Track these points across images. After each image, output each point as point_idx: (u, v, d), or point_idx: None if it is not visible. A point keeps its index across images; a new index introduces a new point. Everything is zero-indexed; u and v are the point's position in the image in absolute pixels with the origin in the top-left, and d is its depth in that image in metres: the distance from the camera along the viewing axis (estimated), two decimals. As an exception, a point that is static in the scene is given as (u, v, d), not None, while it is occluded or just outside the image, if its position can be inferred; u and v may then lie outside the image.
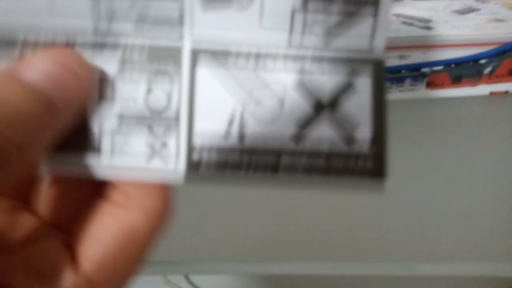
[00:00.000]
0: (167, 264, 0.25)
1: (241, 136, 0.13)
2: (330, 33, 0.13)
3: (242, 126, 0.13)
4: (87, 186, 0.15)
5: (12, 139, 0.10)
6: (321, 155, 0.13)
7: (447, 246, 0.25)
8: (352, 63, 0.13)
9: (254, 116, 0.13)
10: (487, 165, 0.29)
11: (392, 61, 0.32)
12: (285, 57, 0.13)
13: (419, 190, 0.28)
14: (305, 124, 0.13)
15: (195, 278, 0.59)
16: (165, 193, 0.14)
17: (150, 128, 0.13)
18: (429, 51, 0.32)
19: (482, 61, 0.33)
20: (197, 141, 0.13)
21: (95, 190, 0.14)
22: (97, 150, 0.13)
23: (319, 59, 0.13)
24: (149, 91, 0.13)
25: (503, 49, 0.33)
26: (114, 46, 0.13)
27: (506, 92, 0.36)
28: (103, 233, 0.13)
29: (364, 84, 0.13)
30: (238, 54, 0.13)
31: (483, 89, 0.35)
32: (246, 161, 0.13)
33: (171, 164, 0.13)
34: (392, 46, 0.32)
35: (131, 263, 0.14)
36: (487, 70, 0.34)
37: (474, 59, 0.33)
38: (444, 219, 0.26)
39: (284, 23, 0.13)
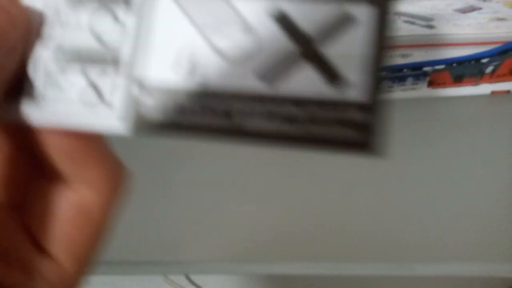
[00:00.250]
0: (167, 263, 0.25)
1: (203, 77, 0.11)
2: None
3: (204, 65, 0.11)
4: (34, 167, 0.14)
5: None
6: (299, 103, 0.11)
7: (447, 246, 0.25)
8: None
9: (220, 52, 0.11)
10: (488, 165, 0.29)
11: (394, 60, 0.32)
12: None
13: (419, 190, 0.28)
14: (283, 63, 0.11)
15: (195, 277, 0.59)
16: (114, 167, 0.14)
17: (94, 70, 0.11)
18: (431, 50, 0.32)
19: (484, 60, 0.33)
20: (149, 84, 0.11)
21: (44, 171, 0.14)
22: (35, 96, 0.12)
23: None
24: (92, 28, 0.11)
25: (505, 48, 0.33)
26: None
27: (508, 92, 0.36)
28: (59, 216, 0.13)
29: (365, 16, 0.10)
30: None
31: (484, 88, 0.35)
32: (208, 107, 0.11)
33: (117, 111, 0.12)
34: (394, 45, 0.31)
35: (93, 241, 0.14)
36: (489, 69, 0.34)
37: (476, 58, 0.33)
38: (444, 219, 0.26)
39: None
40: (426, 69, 0.33)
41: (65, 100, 0.12)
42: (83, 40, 0.11)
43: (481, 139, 0.32)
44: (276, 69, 0.11)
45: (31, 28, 0.12)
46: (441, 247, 0.25)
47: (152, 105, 0.11)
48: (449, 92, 0.35)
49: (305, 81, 0.11)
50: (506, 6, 0.36)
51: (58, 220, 0.13)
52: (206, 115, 0.11)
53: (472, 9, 0.36)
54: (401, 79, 0.33)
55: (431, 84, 0.34)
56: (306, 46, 0.10)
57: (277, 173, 0.29)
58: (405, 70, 0.33)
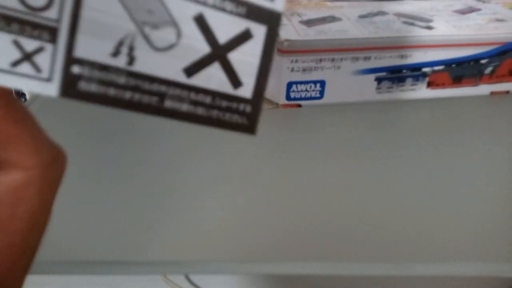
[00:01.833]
0: (167, 263, 0.25)
1: (131, 58, 0.12)
2: None
3: (133, 47, 0.12)
4: None
5: None
6: (208, 93, 0.14)
7: (447, 246, 0.25)
8: (252, 8, 0.13)
9: (149, 40, 0.13)
10: (488, 165, 0.29)
11: (393, 60, 0.32)
12: None
13: (419, 190, 0.28)
14: (199, 60, 0.13)
15: (195, 278, 0.59)
16: (41, 145, 0.13)
17: (23, 27, 0.12)
18: (430, 51, 0.32)
19: (483, 61, 0.33)
20: (80, 52, 0.12)
21: None
22: None
23: None
24: None
25: (504, 49, 0.33)
26: None
27: (507, 92, 0.36)
28: None
29: (259, 33, 0.13)
30: None
31: (484, 89, 0.35)
32: (132, 85, 0.13)
33: (45, 72, 0.12)
34: (393, 46, 0.32)
35: (28, 227, 0.13)
36: (488, 70, 0.34)
37: (475, 59, 0.33)
38: (444, 219, 0.26)
39: None
40: (425, 69, 0.33)
41: None
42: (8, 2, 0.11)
43: (481, 139, 0.32)
44: (193, 63, 0.13)
45: None
46: (441, 247, 0.25)
47: (80, 74, 0.12)
48: (449, 92, 0.35)
49: (213, 77, 0.13)
50: (505, 7, 0.37)
51: None
52: (130, 91, 0.13)
53: (471, 10, 0.36)
54: (400, 80, 0.33)
55: (430, 84, 0.34)
56: (216, 50, 0.13)
57: (277, 173, 0.29)
58: (404, 70, 0.33)
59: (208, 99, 0.14)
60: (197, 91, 0.14)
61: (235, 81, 0.14)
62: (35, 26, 0.12)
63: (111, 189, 0.28)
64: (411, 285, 0.55)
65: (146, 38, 0.13)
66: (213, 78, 0.14)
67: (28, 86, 0.12)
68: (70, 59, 0.12)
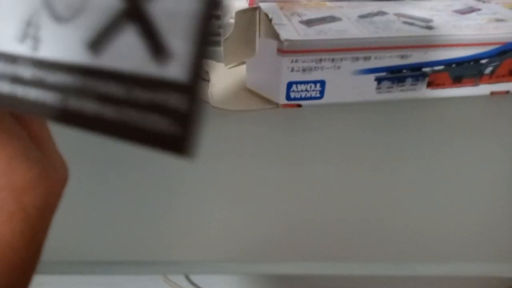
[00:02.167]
0: (167, 263, 0.25)
1: (36, 40, 0.09)
2: None
3: (38, 25, 0.09)
4: None
5: None
6: (119, 80, 0.09)
7: (447, 246, 0.25)
8: None
9: (53, 10, 0.09)
10: (488, 165, 0.29)
11: (393, 60, 0.32)
12: None
13: (419, 190, 0.28)
14: (108, 25, 0.09)
15: (195, 277, 0.59)
16: (9, 167, 0.12)
17: None
18: (430, 51, 0.32)
19: (483, 61, 0.33)
20: None
21: None
22: None
23: None
24: None
25: (504, 49, 0.33)
26: None
27: (507, 92, 0.36)
28: None
29: None
30: None
31: (484, 89, 0.35)
32: (37, 77, 0.10)
33: None
34: (393, 46, 0.32)
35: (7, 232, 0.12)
36: (488, 70, 0.34)
37: (475, 59, 0.33)
38: (444, 219, 0.26)
39: None
40: (425, 69, 0.33)
41: None
42: None
43: (481, 139, 0.32)
44: (102, 33, 0.09)
45: None
46: (441, 247, 0.25)
47: None
48: (449, 92, 0.35)
49: (126, 50, 0.08)
50: (505, 7, 0.37)
51: None
52: (35, 88, 0.10)
53: (471, 10, 0.36)
54: (400, 80, 0.33)
55: (430, 84, 0.34)
56: (132, 1, 0.08)
57: (277, 173, 0.29)
58: (404, 70, 0.33)
59: (120, 91, 0.09)
60: (107, 78, 0.09)
61: (159, 50, 0.08)
62: None
63: (111, 189, 0.28)
64: (411, 285, 0.55)
65: (51, 8, 0.09)
66: (127, 51, 0.08)
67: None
68: None
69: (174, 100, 0.08)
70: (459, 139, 0.32)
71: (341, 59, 0.31)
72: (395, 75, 0.33)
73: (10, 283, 0.13)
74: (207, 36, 0.08)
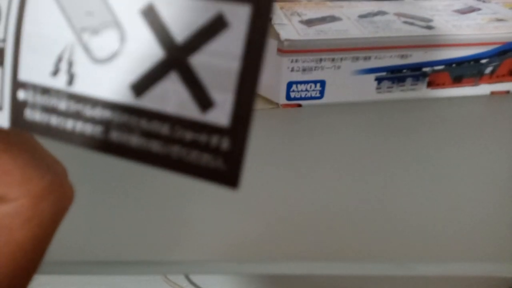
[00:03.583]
0: (167, 263, 0.25)
1: (71, 76, 0.10)
2: None
3: (72, 61, 0.10)
4: None
5: None
6: (165, 119, 0.09)
7: (447, 246, 0.25)
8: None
9: (88, 50, 0.10)
10: (488, 165, 0.29)
11: (393, 60, 0.32)
12: None
13: (419, 190, 0.28)
14: (151, 71, 0.09)
15: (195, 277, 0.59)
16: (27, 175, 0.12)
17: None
18: (431, 51, 0.32)
19: (483, 61, 0.33)
20: (23, 73, 0.10)
21: None
22: None
23: None
24: None
25: (504, 49, 0.33)
26: None
27: (507, 92, 0.36)
28: None
29: (239, 19, 0.09)
30: None
31: (484, 88, 0.35)
32: (73, 111, 0.10)
33: None
34: (393, 46, 0.32)
35: (10, 256, 0.13)
36: (488, 70, 0.34)
37: (475, 59, 0.33)
38: (444, 219, 0.26)
39: None
40: (425, 69, 0.33)
41: None
42: None
43: (481, 139, 0.32)
44: (143, 76, 0.09)
45: None
46: (441, 247, 0.25)
47: (25, 100, 0.11)
48: (449, 92, 0.35)
49: (169, 94, 0.09)
50: (505, 7, 0.37)
51: None
52: (71, 119, 0.10)
53: (471, 10, 0.36)
54: (401, 80, 0.33)
55: (430, 84, 0.34)
56: (173, 52, 0.09)
57: (277, 173, 0.29)
58: (404, 70, 0.33)
59: (165, 129, 0.09)
60: (150, 117, 0.10)
61: (202, 99, 0.09)
62: None
63: (111, 189, 0.28)
64: (411, 285, 0.55)
65: (85, 48, 0.10)
66: (170, 96, 0.09)
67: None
68: (16, 83, 0.10)
69: (216, 141, 0.09)
70: (459, 139, 0.32)
71: (341, 59, 0.31)
72: (395, 75, 0.33)
73: (14, 283, 0.13)
74: (251, 85, 0.09)
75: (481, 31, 0.33)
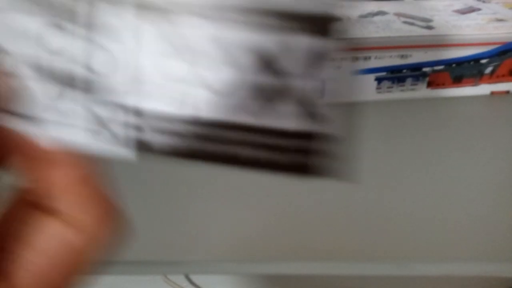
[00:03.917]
0: (167, 263, 0.25)
1: (194, 108, 0.11)
2: None
3: (194, 96, 0.11)
4: (21, 196, 0.13)
5: None
6: (284, 135, 0.11)
7: (447, 246, 0.25)
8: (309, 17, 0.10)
9: (209, 84, 0.11)
10: (488, 165, 0.29)
11: (393, 60, 0.32)
12: (246, 8, 0.11)
13: (419, 190, 0.28)
14: (268, 95, 0.11)
15: (195, 277, 0.59)
16: (104, 210, 0.14)
17: (98, 102, 0.12)
18: (431, 51, 0.32)
19: (483, 61, 0.33)
20: (147, 116, 0.12)
21: (30, 200, 0.13)
22: (41, 120, 0.12)
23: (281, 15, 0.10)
24: (80, 57, 0.11)
25: (504, 49, 0.33)
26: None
27: (507, 92, 0.36)
28: (37, 247, 0.13)
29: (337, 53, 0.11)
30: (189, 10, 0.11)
31: (484, 88, 0.35)
32: (202, 134, 0.12)
33: (121, 140, 0.12)
34: (393, 46, 0.32)
35: (66, 279, 0.13)
36: (488, 70, 0.34)
37: (475, 59, 0.33)
38: (444, 219, 0.26)
39: None
40: (425, 69, 0.33)
41: (67, 125, 0.12)
42: (75, 68, 0.12)
43: (481, 139, 0.32)
44: (259, 101, 0.11)
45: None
46: (441, 247, 0.25)
47: (150, 132, 0.12)
48: (449, 92, 0.35)
49: (286, 114, 0.11)
50: (505, 7, 0.37)
51: (36, 251, 0.13)
52: (198, 142, 0.12)
53: (471, 10, 0.36)
54: (401, 80, 0.33)
55: (430, 84, 0.34)
56: (284, 81, 0.11)
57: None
58: (404, 70, 0.33)
59: (286, 142, 0.11)
60: (262, 132, 0.11)
61: (310, 115, 0.11)
62: (96, 87, 0.12)
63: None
64: (411, 285, 0.55)
65: (207, 86, 0.11)
66: (282, 114, 0.11)
67: (107, 152, 0.12)
68: (140, 125, 0.12)
69: (332, 147, 0.11)
70: (459, 139, 0.32)
71: (341, 59, 0.31)
72: (395, 75, 0.33)
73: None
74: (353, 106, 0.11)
75: (481, 31, 0.33)
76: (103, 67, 0.11)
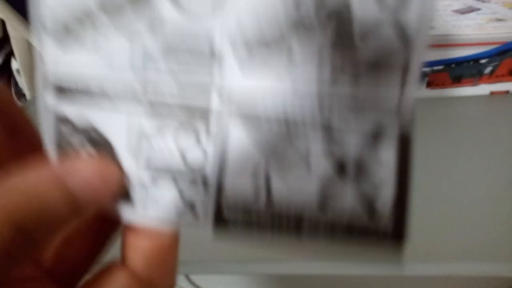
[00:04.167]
0: (167, 264, 0.25)
1: (268, 199, 0.13)
2: (357, 102, 0.12)
3: (269, 187, 0.13)
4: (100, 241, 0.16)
5: (32, 233, 0.11)
6: (343, 224, 0.13)
7: (447, 246, 0.25)
8: (378, 124, 0.12)
9: (281, 177, 0.13)
10: (488, 165, 0.29)
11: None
12: (313, 120, 0.13)
13: (419, 190, 0.28)
14: (329, 191, 0.13)
15: (195, 278, 0.59)
16: (172, 277, 0.16)
17: (182, 183, 0.14)
18: (430, 51, 0.32)
19: (483, 61, 0.33)
20: (226, 200, 0.14)
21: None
22: (131, 200, 0.14)
23: (346, 120, 0.12)
24: (178, 148, 0.13)
25: (503, 49, 0.33)
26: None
27: (507, 92, 0.36)
28: None
29: (388, 147, 0.12)
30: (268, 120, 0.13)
31: (483, 88, 0.35)
32: (271, 223, 0.13)
33: (201, 220, 0.14)
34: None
35: None
36: (488, 70, 0.34)
37: (475, 59, 0.33)
38: (444, 219, 0.26)
39: (313, 101, 0.13)
40: (425, 69, 0.33)
41: (159, 207, 0.14)
42: (170, 159, 0.13)
43: (481, 139, 0.32)
44: (326, 197, 0.13)
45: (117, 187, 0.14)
46: (441, 247, 0.25)
47: (229, 216, 0.14)
48: (448, 92, 0.35)
49: (347, 207, 0.13)
50: (504, 6, 0.37)
51: None
52: (273, 230, 0.13)
53: (470, 10, 0.36)
54: (400, 80, 0.33)
55: (430, 84, 0.34)
56: (346, 177, 0.13)
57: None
58: (404, 70, 0.33)
59: (342, 229, 0.13)
60: (331, 224, 0.13)
61: (369, 211, 0.13)
62: (193, 181, 0.14)
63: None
64: (411, 285, 0.55)
65: (279, 177, 0.13)
66: (345, 208, 0.13)
67: (187, 229, 0.15)
68: (220, 207, 0.14)
69: (387, 241, 0.14)
70: (458, 139, 0.32)
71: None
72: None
73: None
74: (407, 197, 0.12)
75: (481, 31, 0.33)
76: (195, 160, 0.13)
